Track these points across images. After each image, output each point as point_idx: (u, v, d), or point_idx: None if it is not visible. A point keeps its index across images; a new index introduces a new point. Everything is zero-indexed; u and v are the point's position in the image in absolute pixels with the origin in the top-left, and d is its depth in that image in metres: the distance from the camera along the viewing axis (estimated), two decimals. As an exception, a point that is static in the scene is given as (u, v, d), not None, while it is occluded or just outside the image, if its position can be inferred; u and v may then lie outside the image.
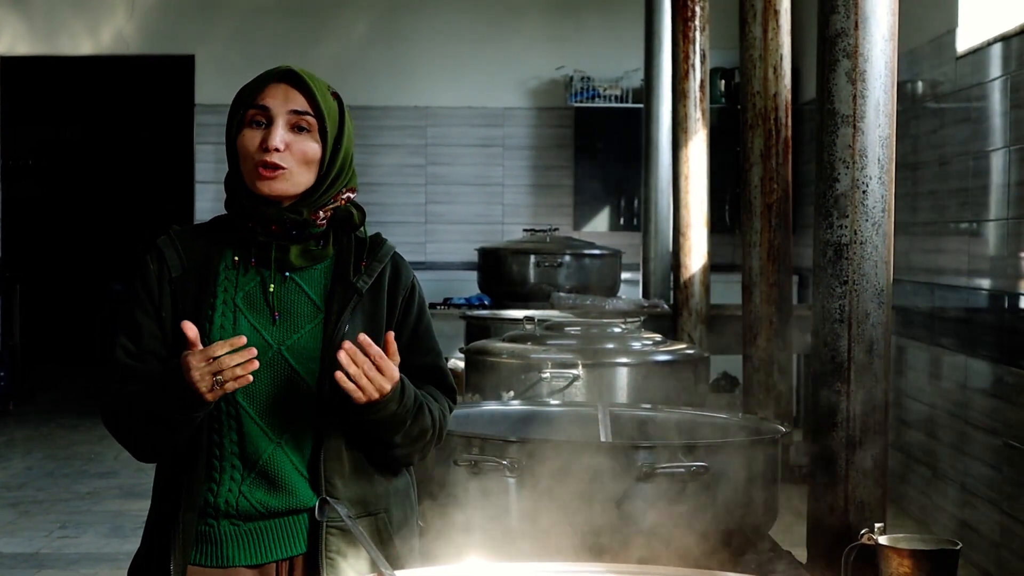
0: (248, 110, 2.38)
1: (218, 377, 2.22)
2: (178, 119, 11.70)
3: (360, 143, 9.91)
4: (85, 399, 10.82)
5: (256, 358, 2.31)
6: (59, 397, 11.32)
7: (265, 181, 2.36)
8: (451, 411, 2.54)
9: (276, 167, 2.36)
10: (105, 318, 12.94)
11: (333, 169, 2.40)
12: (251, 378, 2.24)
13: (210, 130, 10.04)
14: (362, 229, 2.49)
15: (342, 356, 2.26)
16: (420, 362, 2.49)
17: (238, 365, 2.22)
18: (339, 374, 2.27)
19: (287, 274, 2.43)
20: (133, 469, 7.71)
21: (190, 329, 2.26)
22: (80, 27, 10.22)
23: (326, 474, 2.39)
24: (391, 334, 2.33)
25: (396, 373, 2.32)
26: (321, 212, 2.41)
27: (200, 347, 2.24)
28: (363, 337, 2.29)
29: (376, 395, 2.30)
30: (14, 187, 14.40)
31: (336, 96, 2.44)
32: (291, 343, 2.39)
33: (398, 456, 2.46)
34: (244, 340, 2.24)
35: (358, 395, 2.29)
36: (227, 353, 2.22)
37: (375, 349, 2.28)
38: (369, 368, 2.28)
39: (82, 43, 10.24)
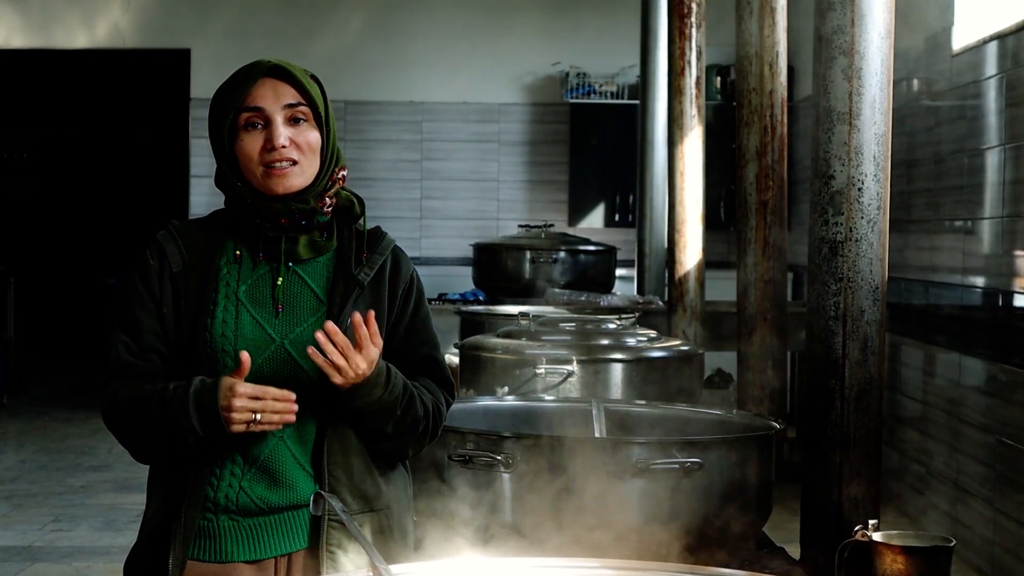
0: (240, 114, 2.38)
1: (258, 416, 2.25)
2: (174, 113, 11.68)
3: (355, 138, 9.92)
4: (78, 393, 10.80)
5: (258, 352, 2.33)
6: (52, 391, 11.30)
7: (278, 179, 2.36)
8: (448, 405, 2.53)
9: (288, 163, 2.36)
10: (99, 313, 12.92)
11: (329, 151, 2.41)
12: (280, 424, 2.28)
13: (206, 124, 9.90)
14: (362, 221, 2.49)
15: (319, 335, 2.25)
16: (417, 354, 2.49)
17: (276, 412, 2.25)
18: (311, 349, 2.26)
19: (290, 265, 2.42)
20: (127, 463, 7.70)
21: (246, 358, 2.26)
22: (75, 20, 10.20)
23: (329, 469, 2.38)
24: (372, 313, 2.31)
25: (374, 355, 2.30)
26: (327, 198, 2.41)
27: (244, 376, 2.26)
28: (356, 317, 2.28)
29: (353, 375, 2.29)
30: (8, 181, 14.41)
31: (315, 78, 2.44)
32: (294, 336, 2.38)
33: (392, 447, 2.45)
34: (293, 396, 2.27)
35: (333, 374, 2.28)
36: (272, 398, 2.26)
37: (362, 331, 2.28)
38: (347, 348, 2.27)
39: (77, 36, 10.23)
